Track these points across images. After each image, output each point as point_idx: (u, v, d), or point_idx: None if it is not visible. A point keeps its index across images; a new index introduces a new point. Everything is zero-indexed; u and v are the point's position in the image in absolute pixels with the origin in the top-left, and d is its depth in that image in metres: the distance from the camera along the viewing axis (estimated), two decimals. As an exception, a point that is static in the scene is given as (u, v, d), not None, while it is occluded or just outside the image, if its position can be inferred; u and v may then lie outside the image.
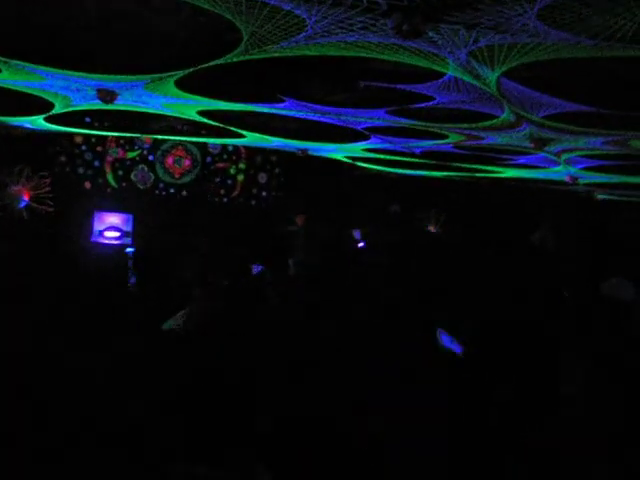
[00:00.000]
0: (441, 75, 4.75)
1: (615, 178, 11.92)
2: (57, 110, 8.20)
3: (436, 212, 15.29)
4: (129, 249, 10.88)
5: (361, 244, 13.65)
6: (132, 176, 12.97)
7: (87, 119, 10.44)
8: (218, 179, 13.73)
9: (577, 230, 15.30)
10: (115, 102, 6.83)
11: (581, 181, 12.88)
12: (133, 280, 7.84)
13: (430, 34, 3.56)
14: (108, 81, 5.97)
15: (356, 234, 14.13)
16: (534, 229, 15.83)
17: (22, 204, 10.11)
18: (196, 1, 3.44)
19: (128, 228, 11.98)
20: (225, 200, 13.94)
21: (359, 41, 3.94)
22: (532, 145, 7.73)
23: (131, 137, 12.49)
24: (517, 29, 3.30)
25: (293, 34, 3.90)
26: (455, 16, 3.20)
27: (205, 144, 13.33)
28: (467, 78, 4.70)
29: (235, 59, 4.69)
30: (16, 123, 9.70)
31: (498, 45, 3.72)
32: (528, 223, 15.79)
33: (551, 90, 4.92)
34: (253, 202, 14.32)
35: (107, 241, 11.69)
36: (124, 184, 12.85)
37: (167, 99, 6.88)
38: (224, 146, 13.65)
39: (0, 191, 9.93)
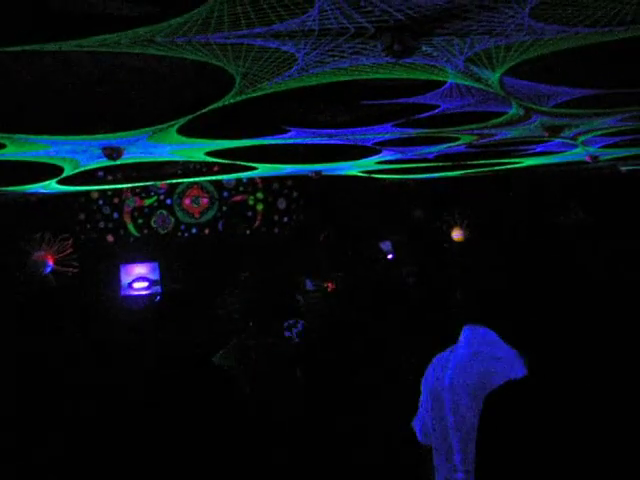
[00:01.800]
0: (442, 83, 4.65)
1: (637, 150, 11.71)
2: (67, 173, 8.22)
3: (460, 213, 15.10)
4: (160, 297, 10.85)
5: (390, 256, 13.51)
6: (152, 222, 12.98)
7: (100, 174, 10.46)
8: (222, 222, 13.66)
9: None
10: (122, 157, 6.83)
11: (602, 158, 12.67)
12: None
13: (424, 48, 3.47)
14: (111, 139, 5.95)
15: (384, 246, 13.96)
16: (564, 212, 15.68)
17: (47, 270, 10.13)
18: (181, 53, 3.37)
19: (155, 276, 11.97)
20: (248, 232, 13.89)
21: (353, 65, 3.86)
22: (546, 134, 7.59)
23: (145, 185, 12.51)
24: (512, 30, 3.20)
25: (285, 69, 3.83)
26: (445, 28, 3.10)
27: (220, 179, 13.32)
28: (468, 82, 4.60)
29: (232, 100, 4.64)
30: (29, 190, 9.74)
31: (495, 47, 3.61)
32: (558, 207, 15.65)
33: (556, 80, 4.80)
34: (276, 230, 14.26)
35: (137, 292, 11.68)
36: (145, 231, 12.86)
37: (173, 146, 6.85)
38: (239, 178, 13.63)
39: (23, 260, 9.95)
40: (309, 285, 10.18)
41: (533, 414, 2.44)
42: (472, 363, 2.92)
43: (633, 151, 11.75)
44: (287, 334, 6.25)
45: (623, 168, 16.13)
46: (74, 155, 6.91)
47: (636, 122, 7.57)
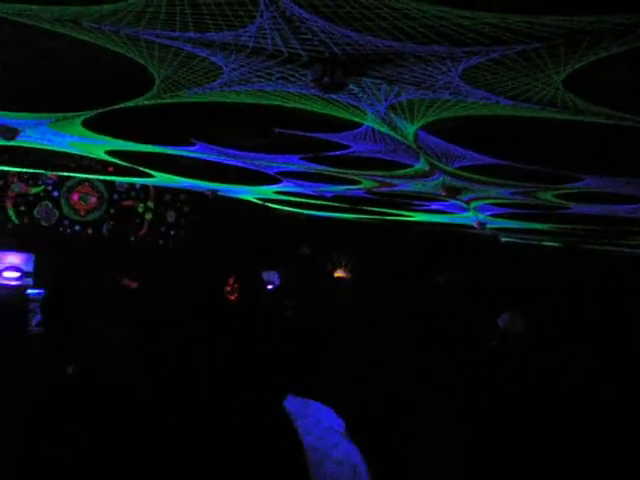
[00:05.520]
0: (358, 125, 4.68)
1: (520, 224, 12.22)
2: (-46, 145, 7.79)
3: (345, 255, 15.25)
4: (30, 291, 10.38)
5: (270, 286, 13.42)
6: (35, 212, 12.45)
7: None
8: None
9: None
10: (17, 139, 6.53)
11: (488, 226, 13.13)
12: (37, 320, 7.47)
13: (351, 87, 3.48)
14: (10, 118, 5.67)
15: (267, 276, 13.85)
16: (442, 270, 16.12)
17: None
18: (107, 44, 3.24)
19: (29, 268, 11.44)
20: (132, 239, 13.56)
21: (277, 90, 3.82)
22: (444, 193, 7.78)
23: (35, 172, 12.02)
24: (439, 87, 3.25)
25: (208, 81, 3.75)
26: (378, 71, 3.12)
27: (112, 181, 12.98)
28: (385, 129, 4.65)
29: (146, 102, 4.51)
30: None
31: (419, 100, 3.66)
32: (437, 264, 16.07)
33: (468, 143, 4.92)
34: (161, 241, 13.99)
35: (6, 282, 11.12)
36: (26, 220, 12.32)
37: (73, 138, 6.60)
38: (132, 183, 13.33)
39: None
40: None
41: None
42: None
43: (516, 224, 12.26)
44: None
45: (503, 239, 16.82)
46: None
47: (525, 197, 7.89)
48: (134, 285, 10.80)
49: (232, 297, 11.97)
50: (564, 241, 15.86)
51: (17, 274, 11.29)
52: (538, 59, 2.75)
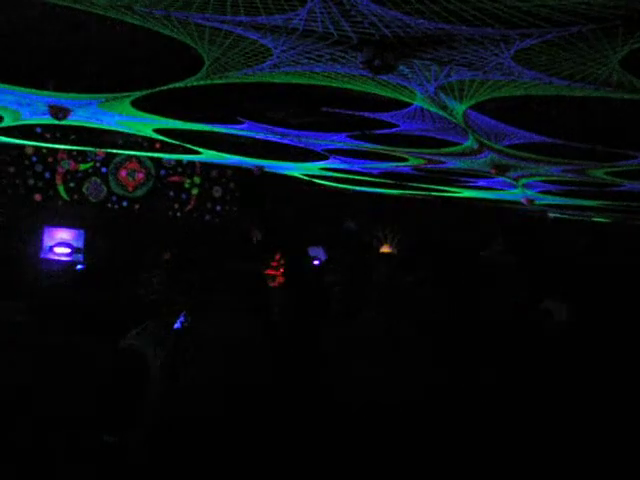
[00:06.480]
0: (407, 105, 4.64)
1: (569, 200, 12.02)
2: (6, 123, 7.92)
3: (390, 230, 15.22)
4: (80, 266, 10.59)
5: (317, 262, 13.45)
6: (84, 189, 12.65)
7: (38, 129, 10.13)
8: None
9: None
10: (68, 118, 6.61)
11: (537, 202, 12.95)
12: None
13: (401, 68, 3.44)
14: (61, 98, 5.74)
15: (314, 251, 13.88)
16: (486, 245, 16.02)
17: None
18: (157, 27, 3.26)
19: (79, 244, 11.65)
20: (179, 214, 13.69)
21: (326, 72, 3.80)
22: (493, 171, 7.68)
23: (83, 149, 12.18)
24: (491, 67, 3.20)
25: (258, 62, 3.75)
26: (429, 52, 3.08)
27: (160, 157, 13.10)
28: (434, 109, 4.60)
29: (195, 83, 4.53)
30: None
31: (469, 80, 3.61)
32: (482, 239, 15.96)
33: (517, 122, 4.85)
34: (207, 217, 14.10)
35: (57, 257, 11.35)
36: (75, 197, 12.52)
37: (122, 117, 6.67)
38: (179, 159, 13.43)
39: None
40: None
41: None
42: None
43: (565, 201, 12.06)
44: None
45: (551, 214, 16.58)
46: (17, 107, 6.65)
47: (575, 175, 7.76)
48: (167, 257, 10.90)
49: (278, 272, 12.04)
50: (614, 217, 15.60)
51: (68, 250, 11.50)
52: (594, 40, 2.69)
